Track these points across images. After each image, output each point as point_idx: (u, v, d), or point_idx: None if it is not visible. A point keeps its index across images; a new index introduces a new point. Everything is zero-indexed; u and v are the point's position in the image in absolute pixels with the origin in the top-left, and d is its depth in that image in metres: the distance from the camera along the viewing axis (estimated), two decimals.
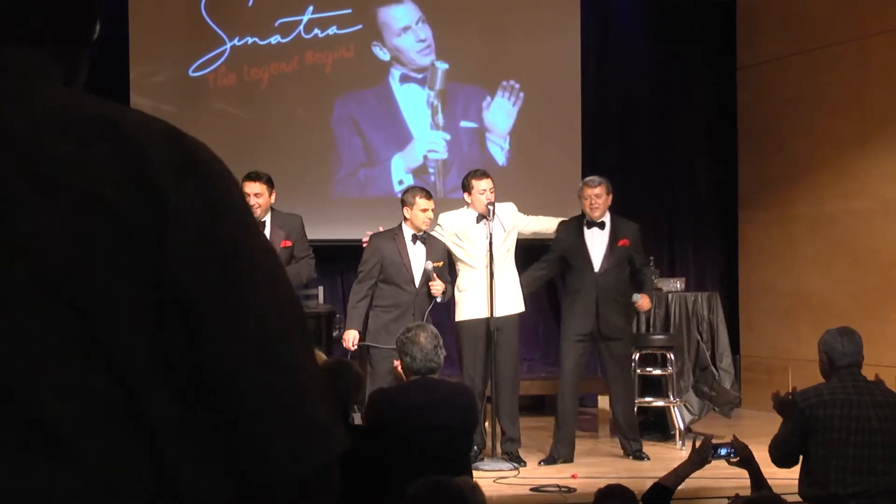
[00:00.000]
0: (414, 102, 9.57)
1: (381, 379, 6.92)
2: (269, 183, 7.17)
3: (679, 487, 4.53)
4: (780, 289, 9.69)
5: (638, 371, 8.02)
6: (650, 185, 10.35)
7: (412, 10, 9.61)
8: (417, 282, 7.15)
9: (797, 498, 4.75)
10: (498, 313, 7.18)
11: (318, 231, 8.42)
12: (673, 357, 8.06)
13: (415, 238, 7.21)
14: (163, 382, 1.16)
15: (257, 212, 6.97)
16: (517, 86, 9.71)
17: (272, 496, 1.21)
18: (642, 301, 7.49)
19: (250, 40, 9.28)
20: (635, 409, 7.87)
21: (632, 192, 10.10)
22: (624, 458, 7.46)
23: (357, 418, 6.25)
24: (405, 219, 7.22)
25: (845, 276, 9.05)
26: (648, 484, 4.59)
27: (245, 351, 1.18)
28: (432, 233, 7.34)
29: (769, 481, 4.68)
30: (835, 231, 9.20)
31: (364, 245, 7.35)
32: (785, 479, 5.09)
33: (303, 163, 9.27)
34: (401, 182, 9.44)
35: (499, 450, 7.22)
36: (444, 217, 7.43)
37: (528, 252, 7.84)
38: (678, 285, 8.66)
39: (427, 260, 7.16)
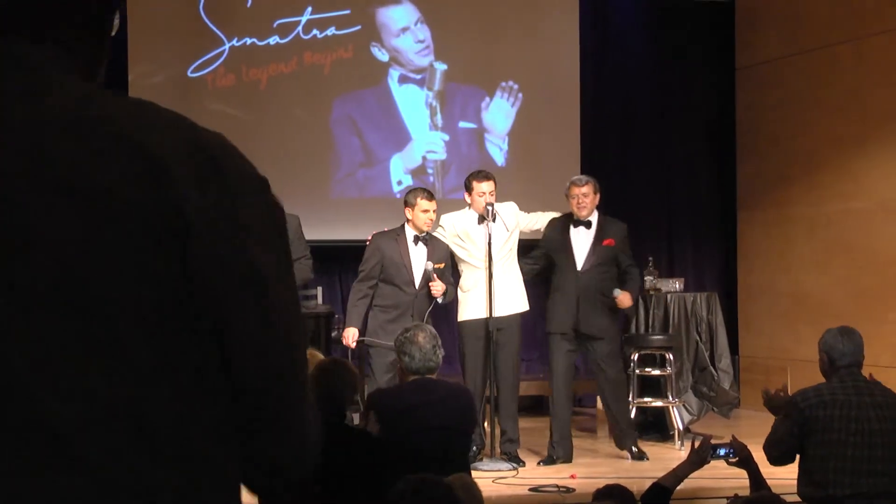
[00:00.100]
0: (413, 103, 9.57)
1: (380, 376, 6.93)
2: None
3: (678, 488, 4.53)
4: (779, 289, 9.69)
5: (637, 371, 8.02)
6: (649, 185, 10.35)
7: (411, 10, 9.61)
8: (417, 283, 7.15)
9: (796, 498, 4.75)
10: (501, 313, 7.19)
11: (317, 231, 8.42)
12: (672, 357, 8.07)
13: (416, 239, 7.21)
14: (168, 383, 1.16)
15: None
16: (516, 86, 9.71)
17: (267, 490, 1.24)
18: (622, 297, 7.37)
19: (249, 41, 9.27)
20: (632, 408, 7.87)
21: (630, 192, 10.13)
22: (623, 458, 7.45)
23: (354, 419, 6.25)
24: (407, 220, 7.22)
25: (843, 276, 9.05)
26: (647, 484, 4.59)
27: (265, 355, 1.20)
28: (434, 234, 7.34)
29: (768, 481, 4.68)
30: (833, 231, 9.20)
31: (368, 244, 7.36)
32: (784, 479, 5.09)
33: (301, 163, 9.27)
34: (399, 182, 9.44)
35: (498, 450, 7.22)
36: (445, 218, 7.44)
37: (528, 251, 7.84)
38: (677, 286, 8.66)
39: (428, 261, 7.16)
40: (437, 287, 7.10)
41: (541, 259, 7.59)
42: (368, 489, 4.12)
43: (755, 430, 7.03)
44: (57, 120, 1.16)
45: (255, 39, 9.28)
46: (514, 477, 6.83)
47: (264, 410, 1.21)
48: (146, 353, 1.15)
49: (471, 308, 7.30)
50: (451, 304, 7.47)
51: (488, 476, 6.68)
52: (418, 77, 9.58)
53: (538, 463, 7.32)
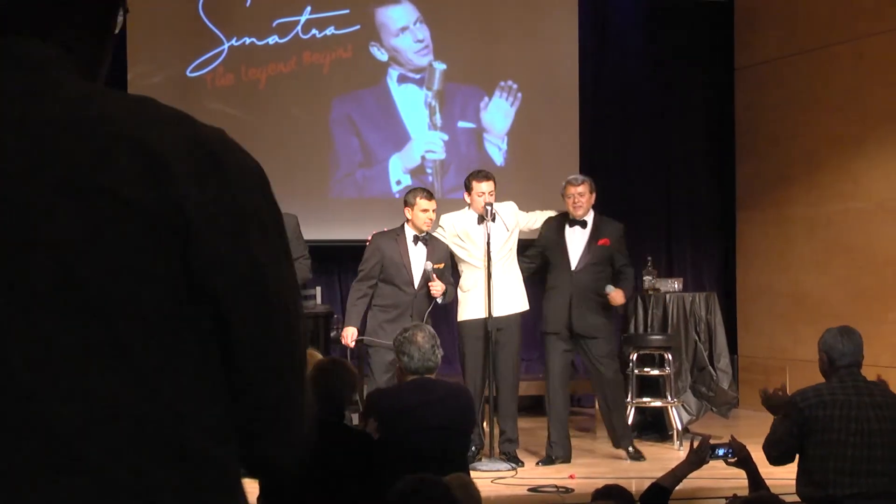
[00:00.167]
0: (412, 103, 9.57)
1: (380, 375, 6.93)
2: None
3: (677, 488, 4.53)
4: (778, 289, 9.69)
5: (636, 371, 8.02)
6: (648, 185, 10.36)
7: (410, 10, 9.60)
8: (417, 283, 7.15)
9: (795, 498, 4.74)
10: (501, 312, 7.20)
11: (316, 231, 8.42)
12: (671, 357, 8.07)
13: (416, 239, 7.21)
14: (169, 382, 1.16)
15: None
16: (515, 86, 9.71)
17: (263, 480, 1.28)
18: (614, 294, 7.31)
19: (248, 40, 9.27)
20: (631, 408, 7.87)
21: (629, 192, 10.13)
22: (621, 458, 7.45)
23: (354, 419, 6.25)
24: (407, 220, 7.22)
25: (843, 276, 9.05)
26: (646, 484, 4.59)
27: (266, 355, 1.20)
28: (434, 234, 7.34)
29: (767, 481, 4.68)
30: (832, 231, 9.21)
31: (368, 244, 7.37)
32: (783, 479, 5.09)
33: (300, 163, 9.26)
34: (398, 182, 9.44)
35: (497, 450, 7.22)
36: (445, 218, 7.44)
37: (524, 250, 7.84)
38: (676, 285, 8.65)
39: (427, 261, 7.16)
40: (437, 287, 7.10)
41: (536, 258, 7.59)
42: (367, 489, 4.12)
43: (754, 430, 7.03)
44: (57, 119, 1.15)
45: (254, 39, 9.28)
46: (512, 477, 6.83)
47: (265, 410, 1.22)
48: (146, 352, 1.14)
49: (471, 308, 7.30)
50: (451, 304, 7.47)
51: (487, 476, 6.68)
52: (417, 77, 9.58)
53: (537, 463, 7.32)
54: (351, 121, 9.46)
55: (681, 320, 8.41)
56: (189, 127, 1.20)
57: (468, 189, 7.35)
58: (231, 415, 1.20)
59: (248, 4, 9.31)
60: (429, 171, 9.56)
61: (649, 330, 8.39)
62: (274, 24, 9.30)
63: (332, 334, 7.90)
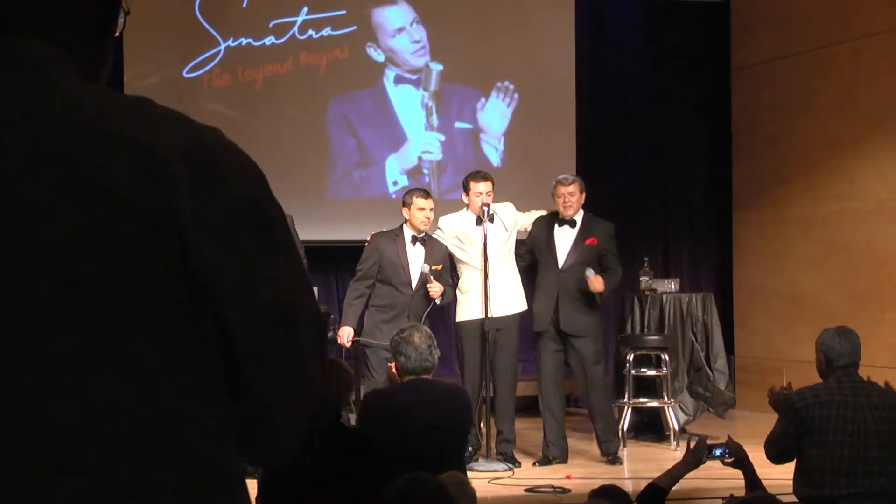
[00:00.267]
0: (408, 103, 9.57)
1: (379, 375, 6.93)
2: None
3: (673, 488, 4.53)
4: (774, 289, 9.70)
5: (632, 372, 8.03)
6: (645, 185, 10.36)
7: (406, 11, 9.60)
8: (414, 284, 7.15)
9: (792, 498, 4.75)
10: (499, 313, 7.19)
11: (313, 232, 8.42)
12: (667, 358, 8.07)
13: (415, 240, 7.21)
14: (169, 383, 1.16)
15: None
16: (511, 87, 9.72)
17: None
18: (594, 278, 7.16)
19: (245, 41, 9.27)
20: (627, 408, 7.87)
21: (626, 192, 10.13)
22: (620, 458, 7.45)
23: (350, 419, 6.25)
24: (405, 220, 7.23)
25: (839, 276, 9.06)
26: (643, 484, 4.58)
27: (268, 352, 1.20)
28: (433, 235, 7.35)
29: (764, 481, 4.69)
30: (828, 232, 9.21)
31: (367, 244, 7.37)
32: (779, 479, 5.09)
33: (297, 163, 9.26)
34: (395, 183, 9.44)
35: (493, 450, 7.22)
36: (444, 220, 7.44)
37: (517, 249, 7.83)
38: (672, 286, 8.66)
39: (425, 262, 7.16)
40: (435, 288, 7.10)
41: (526, 256, 7.60)
42: (364, 489, 4.12)
43: (751, 430, 7.04)
44: (56, 119, 1.15)
45: (250, 40, 9.27)
46: (509, 478, 6.83)
47: (265, 410, 1.21)
48: (146, 352, 1.14)
49: (470, 308, 7.30)
50: (449, 304, 7.48)
51: (484, 476, 6.68)
52: (414, 77, 9.58)
53: (533, 463, 7.32)
54: (347, 121, 9.46)
55: (677, 321, 8.42)
56: (187, 127, 1.21)
57: (466, 190, 7.36)
58: (231, 415, 1.20)
59: (244, 5, 9.30)
60: (425, 171, 9.56)
61: (646, 330, 8.39)
62: (270, 25, 9.30)
63: (329, 335, 7.90)
